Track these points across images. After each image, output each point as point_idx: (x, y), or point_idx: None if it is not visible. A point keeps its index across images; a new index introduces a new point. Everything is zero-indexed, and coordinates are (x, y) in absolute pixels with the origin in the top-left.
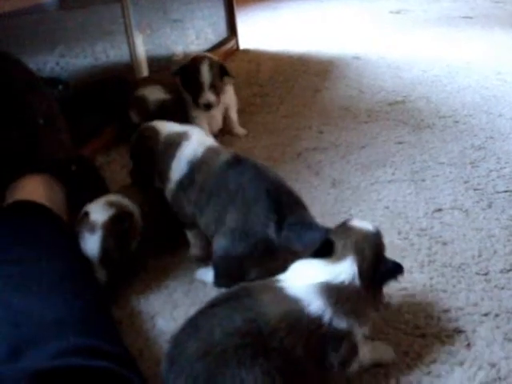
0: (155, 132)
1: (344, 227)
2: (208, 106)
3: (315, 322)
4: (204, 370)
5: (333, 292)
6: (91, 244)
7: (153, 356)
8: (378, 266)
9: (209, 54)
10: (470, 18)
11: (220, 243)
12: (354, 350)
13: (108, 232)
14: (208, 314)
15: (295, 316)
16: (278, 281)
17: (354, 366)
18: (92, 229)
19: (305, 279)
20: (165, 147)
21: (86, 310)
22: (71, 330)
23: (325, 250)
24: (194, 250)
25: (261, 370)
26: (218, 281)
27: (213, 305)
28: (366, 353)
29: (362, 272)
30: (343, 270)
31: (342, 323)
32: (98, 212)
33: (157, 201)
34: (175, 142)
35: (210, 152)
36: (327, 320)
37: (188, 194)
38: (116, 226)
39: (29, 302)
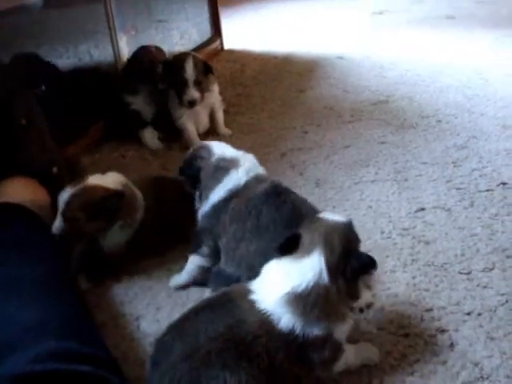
0: (209, 153)
1: (313, 220)
2: (192, 103)
3: (289, 335)
4: (188, 371)
5: (299, 301)
6: (64, 196)
7: (137, 358)
8: (349, 260)
9: (192, 52)
10: (453, 18)
11: (229, 271)
12: (338, 350)
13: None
14: (192, 319)
15: (271, 327)
16: (251, 292)
17: (340, 366)
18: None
19: (273, 290)
20: (214, 170)
21: (66, 314)
22: (52, 334)
23: (292, 245)
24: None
25: (245, 372)
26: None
27: (197, 310)
28: (351, 353)
29: (330, 265)
30: (309, 267)
31: (316, 330)
32: (96, 178)
33: (169, 202)
34: (225, 167)
35: (252, 181)
36: (300, 331)
37: (219, 217)
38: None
39: (10, 305)
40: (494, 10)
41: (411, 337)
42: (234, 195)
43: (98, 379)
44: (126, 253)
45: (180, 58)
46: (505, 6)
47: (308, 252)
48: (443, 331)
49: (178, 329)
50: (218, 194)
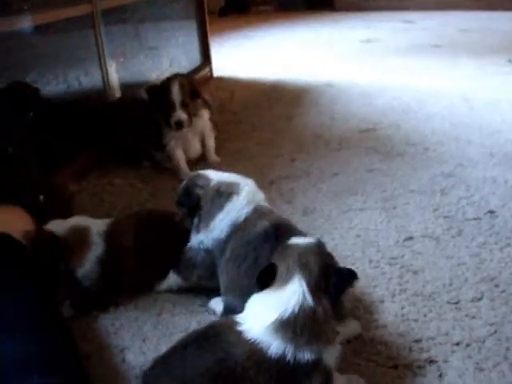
0: (207, 180)
1: (284, 247)
2: (179, 124)
3: (280, 362)
4: None
5: (287, 326)
6: None
7: None
8: (329, 277)
9: (180, 76)
10: (439, 46)
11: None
12: (329, 377)
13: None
14: (180, 353)
15: (260, 356)
16: (238, 323)
17: None
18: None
19: (260, 320)
20: (215, 195)
21: (50, 348)
22: (35, 370)
23: (269, 276)
24: None
25: None
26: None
27: (184, 344)
28: (342, 383)
29: (311, 286)
30: (291, 293)
31: (307, 354)
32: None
33: (153, 238)
34: (225, 192)
35: (253, 216)
36: (291, 357)
37: (218, 253)
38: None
39: None
40: (478, 39)
41: (400, 368)
42: (233, 232)
43: None
44: (110, 287)
45: (166, 82)
46: (488, 35)
47: (287, 279)
48: (432, 362)
49: (165, 363)
50: (219, 226)
